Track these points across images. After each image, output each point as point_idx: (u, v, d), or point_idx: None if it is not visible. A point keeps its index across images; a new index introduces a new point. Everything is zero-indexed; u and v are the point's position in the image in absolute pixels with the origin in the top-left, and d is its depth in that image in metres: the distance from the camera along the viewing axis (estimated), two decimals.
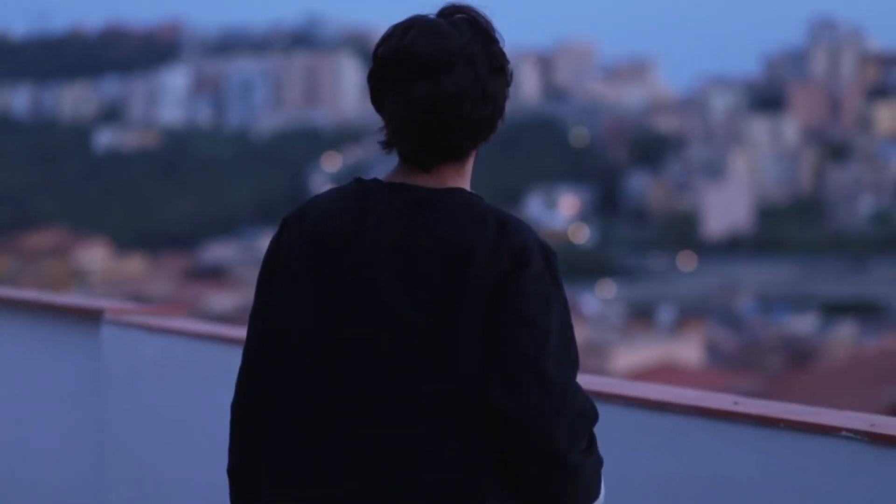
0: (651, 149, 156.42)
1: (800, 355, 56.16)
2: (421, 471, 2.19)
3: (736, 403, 3.21)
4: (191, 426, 4.63)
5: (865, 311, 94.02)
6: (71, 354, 5.09)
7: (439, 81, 2.27)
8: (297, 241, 2.33)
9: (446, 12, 2.35)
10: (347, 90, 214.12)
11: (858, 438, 2.94)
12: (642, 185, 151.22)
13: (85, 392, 4.98)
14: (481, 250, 2.20)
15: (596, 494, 2.26)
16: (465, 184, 2.35)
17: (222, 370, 4.31)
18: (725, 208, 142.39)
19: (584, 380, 3.35)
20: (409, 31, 2.34)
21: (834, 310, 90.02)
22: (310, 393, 2.28)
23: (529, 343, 2.17)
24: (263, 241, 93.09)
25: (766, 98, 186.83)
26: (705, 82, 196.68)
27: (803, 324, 75.66)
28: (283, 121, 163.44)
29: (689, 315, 76.92)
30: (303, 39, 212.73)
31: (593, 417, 2.26)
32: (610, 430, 3.12)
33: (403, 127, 2.32)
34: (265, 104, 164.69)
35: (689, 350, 49.88)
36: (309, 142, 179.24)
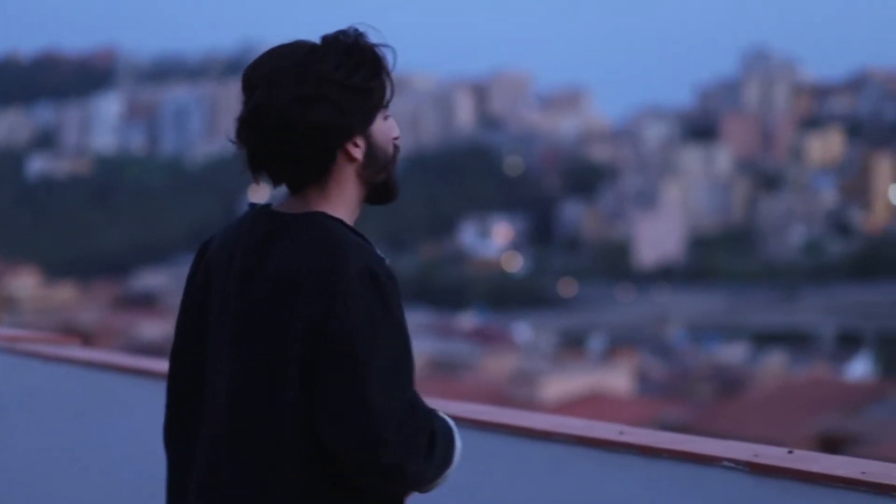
0: (585, 178, 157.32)
1: (730, 384, 56.48)
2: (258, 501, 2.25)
3: (621, 433, 3.21)
4: (84, 455, 4.57)
5: (795, 340, 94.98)
6: None
7: (252, 98, 2.31)
8: (198, 269, 2.39)
9: (329, 36, 2.36)
10: None
11: (740, 468, 2.94)
12: (576, 214, 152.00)
13: None
14: (309, 277, 2.21)
15: (441, 477, 2.31)
16: (334, 206, 2.34)
17: (116, 399, 4.26)
18: (658, 237, 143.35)
19: (467, 409, 3.33)
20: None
21: (764, 339, 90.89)
22: (186, 422, 2.38)
23: (349, 373, 2.18)
24: None
25: (700, 128, 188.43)
26: (639, 112, 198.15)
27: (733, 353, 76.21)
28: (218, 148, 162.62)
29: (620, 344, 77.27)
30: (239, 66, 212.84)
31: (429, 422, 2.27)
32: (493, 459, 3.19)
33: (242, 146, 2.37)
34: (200, 131, 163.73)
35: (619, 379, 50.01)
36: (244, 169, 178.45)
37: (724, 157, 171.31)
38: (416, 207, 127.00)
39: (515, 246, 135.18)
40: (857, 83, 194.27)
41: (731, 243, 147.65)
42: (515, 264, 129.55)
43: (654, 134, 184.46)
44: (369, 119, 2.33)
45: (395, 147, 2.39)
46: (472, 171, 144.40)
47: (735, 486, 2.94)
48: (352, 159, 2.34)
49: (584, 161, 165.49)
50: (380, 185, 2.39)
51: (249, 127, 2.31)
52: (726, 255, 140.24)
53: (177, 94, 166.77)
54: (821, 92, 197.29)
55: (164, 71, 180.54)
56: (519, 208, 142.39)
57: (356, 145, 2.33)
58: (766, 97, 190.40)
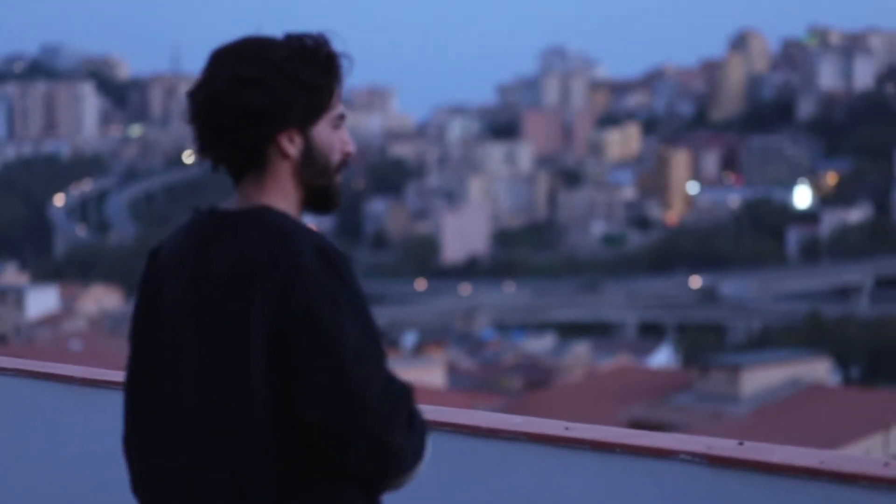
0: (390, 176, 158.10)
1: (538, 375, 57.37)
2: (233, 498, 2.24)
3: (567, 428, 3.17)
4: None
5: (599, 331, 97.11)
6: None
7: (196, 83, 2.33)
8: (148, 277, 2.38)
9: (294, 33, 2.35)
10: (87, 119, 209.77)
11: (697, 461, 2.91)
12: (382, 212, 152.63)
13: None
14: (262, 265, 2.21)
15: (419, 462, 2.32)
16: (274, 198, 2.32)
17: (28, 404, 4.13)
18: (463, 233, 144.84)
19: None
20: None
21: (569, 330, 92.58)
22: (142, 429, 2.37)
23: (321, 347, 2.18)
24: (2, 274, 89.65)
25: (501, 126, 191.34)
26: (442, 111, 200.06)
27: (540, 344, 77.47)
28: (22, 151, 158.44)
29: (430, 339, 77.71)
30: (41, 69, 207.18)
31: (407, 396, 2.27)
32: (438, 457, 3.03)
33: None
34: (1, 135, 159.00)
35: (433, 374, 50.33)
36: (49, 171, 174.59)
37: (525, 154, 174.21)
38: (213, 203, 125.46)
39: None
40: (651, 79, 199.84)
41: (535, 237, 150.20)
42: None
43: (458, 132, 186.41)
44: (310, 118, 2.30)
45: (345, 158, 2.36)
46: None
47: (694, 479, 2.92)
48: (285, 155, 2.30)
49: (390, 159, 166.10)
50: (318, 191, 2.34)
51: (189, 102, 2.30)
52: (530, 250, 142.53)
53: None
54: (617, 89, 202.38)
55: None
56: None
57: (290, 141, 2.30)
58: (564, 95, 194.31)
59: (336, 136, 2.34)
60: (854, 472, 2.75)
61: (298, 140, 2.30)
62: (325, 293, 2.18)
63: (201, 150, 2.31)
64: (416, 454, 2.28)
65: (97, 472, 3.93)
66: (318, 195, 2.36)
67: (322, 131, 2.32)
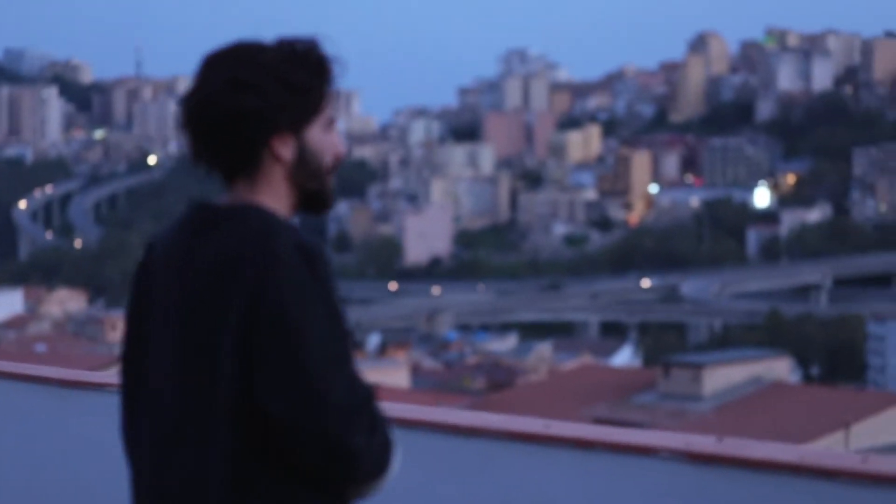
0: (352, 178, 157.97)
1: (501, 375, 57.40)
2: (190, 495, 2.25)
3: (547, 426, 3.21)
4: None
5: (561, 331, 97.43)
6: None
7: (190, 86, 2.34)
8: (141, 273, 2.40)
9: (286, 37, 2.38)
10: (51, 122, 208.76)
11: (678, 458, 2.94)
12: (344, 213, 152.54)
13: None
14: (243, 260, 2.22)
15: (383, 470, 2.30)
16: (265, 198, 2.33)
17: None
18: (426, 235, 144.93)
19: (385, 406, 3.31)
20: None
21: (531, 330, 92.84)
22: (130, 424, 2.40)
23: (284, 342, 2.19)
24: None
25: (463, 128, 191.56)
26: (404, 113, 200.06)
27: (503, 345, 77.58)
28: None
29: (394, 341, 77.79)
30: (4, 74, 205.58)
31: (371, 399, 2.27)
32: (417, 457, 3.11)
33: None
34: None
35: (397, 375, 50.46)
36: (13, 175, 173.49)
37: (487, 155, 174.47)
38: (179, 207, 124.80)
39: None
40: (611, 81, 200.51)
41: (497, 238, 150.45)
42: None
43: (420, 134, 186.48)
44: (302, 121, 2.32)
45: (336, 160, 2.38)
46: None
47: (675, 476, 2.94)
48: (278, 158, 2.32)
49: (352, 161, 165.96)
50: (311, 194, 2.37)
51: (182, 107, 2.32)
52: (492, 251, 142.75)
53: None
54: (578, 91, 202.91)
55: None
56: None
57: (284, 144, 2.31)
58: (525, 97, 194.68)
59: (327, 138, 2.36)
60: (834, 468, 2.78)
61: (291, 143, 2.32)
62: (297, 291, 2.20)
63: (195, 156, 2.33)
64: (378, 460, 2.27)
65: (77, 474, 3.92)
66: (310, 197, 2.37)
67: (314, 134, 2.34)
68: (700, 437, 3.05)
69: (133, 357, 2.38)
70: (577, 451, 3.07)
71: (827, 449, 3.06)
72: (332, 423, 2.19)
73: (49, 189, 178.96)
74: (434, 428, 3.29)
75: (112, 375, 3.86)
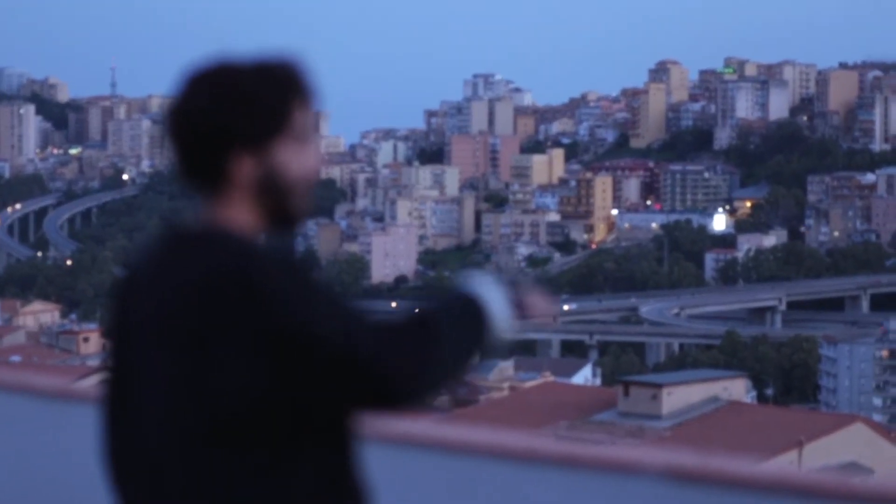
0: (321, 197, 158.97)
1: (463, 392, 57.49)
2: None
3: (530, 443, 3.14)
4: None
5: (523, 350, 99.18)
6: None
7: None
8: (118, 295, 2.33)
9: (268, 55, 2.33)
10: (28, 139, 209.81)
11: (665, 476, 2.91)
12: (312, 232, 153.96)
13: None
14: (222, 280, 2.15)
15: (451, 372, 2.28)
16: (234, 214, 2.26)
17: None
18: (392, 254, 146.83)
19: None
20: None
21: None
22: (118, 447, 2.30)
23: (303, 338, 2.13)
24: None
25: (430, 150, 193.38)
26: (373, 135, 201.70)
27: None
28: None
29: None
30: None
31: (410, 325, 2.21)
32: (400, 473, 3.15)
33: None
34: None
35: None
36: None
37: (452, 177, 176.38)
38: (149, 228, 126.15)
39: None
40: (575, 106, 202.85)
41: (461, 258, 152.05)
42: None
43: (387, 155, 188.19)
44: (266, 138, 2.24)
45: (306, 179, 2.28)
46: None
47: (658, 493, 2.92)
48: (244, 175, 2.23)
49: (321, 181, 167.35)
50: (279, 211, 2.28)
51: (162, 125, 2.31)
52: (457, 271, 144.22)
53: None
54: (542, 115, 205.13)
55: None
56: None
57: (248, 161, 2.23)
58: (491, 120, 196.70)
59: (297, 157, 2.26)
60: (817, 486, 2.77)
61: (255, 161, 2.24)
62: (286, 293, 2.14)
63: (176, 170, 2.31)
64: (439, 375, 2.24)
65: (68, 486, 3.83)
66: (278, 215, 2.28)
67: (282, 152, 2.25)
68: (683, 454, 3.00)
69: (115, 378, 2.30)
70: (564, 468, 3.06)
71: (812, 468, 3.51)
72: (365, 354, 2.14)
73: (25, 205, 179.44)
74: (416, 443, 3.26)
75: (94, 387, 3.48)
